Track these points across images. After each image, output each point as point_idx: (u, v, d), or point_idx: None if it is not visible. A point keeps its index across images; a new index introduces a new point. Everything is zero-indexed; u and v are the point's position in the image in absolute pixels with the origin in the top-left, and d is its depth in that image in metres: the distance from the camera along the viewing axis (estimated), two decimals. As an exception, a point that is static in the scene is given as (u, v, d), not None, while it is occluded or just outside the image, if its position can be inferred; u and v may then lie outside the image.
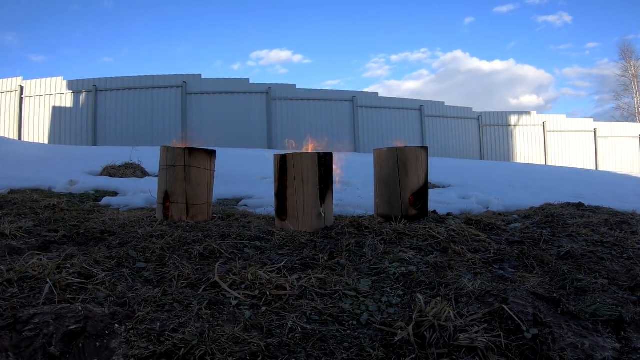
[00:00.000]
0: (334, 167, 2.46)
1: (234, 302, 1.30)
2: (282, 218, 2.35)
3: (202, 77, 13.02)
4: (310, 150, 2.54)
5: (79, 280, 1.34)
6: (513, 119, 15.87)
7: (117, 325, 1.09)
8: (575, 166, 14.48)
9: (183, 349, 0.99)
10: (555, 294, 1.47)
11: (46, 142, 12.04)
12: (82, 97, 12.58)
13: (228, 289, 1.38)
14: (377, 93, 14.48)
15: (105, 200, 3.32)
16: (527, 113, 16.07)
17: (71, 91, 12.57)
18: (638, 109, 25.43)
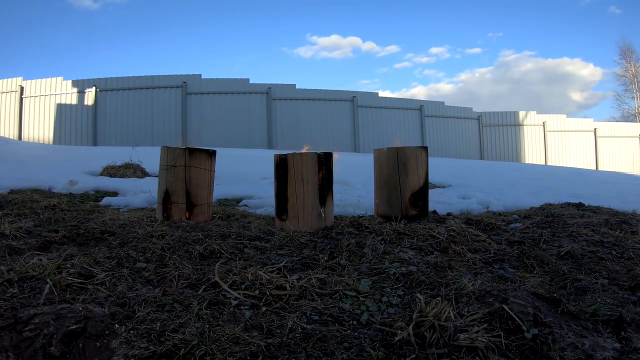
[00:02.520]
0: (333, 167, 2.47)
1: (234, 302, 1.30)
2: (282, 218, 2.35)
3: (202, 77, 13.03)
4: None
5: (79, 280, 1.34)
6: (513, 119, 15.87)
7: (117, 326, 1.09)
8: (575, 166, 14.48)
9: (183, 349, 0.99)
10: (555, 294, 1.47)
11: (46, 142, 12.04)
12: (82, 97, 12.57)
13: (228, 289, 1.38)
14: (377, 93, 14.49)
15: (106, 200, 3.32)
16: (527, 113, 16.07)
17: (71, 91, 12.57)
18: (638, 109, 25.42)
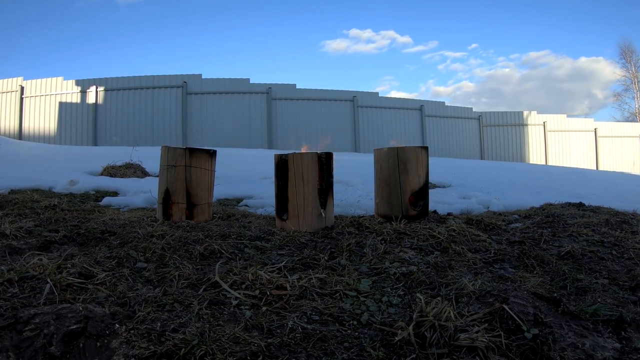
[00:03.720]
0: (333, 167, 2.47)
1: (234, 302, 1.30)
2: (282, 218, 2.35)
3: (203, 77, 13.03)
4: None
5: (79, 280, 1.34)
6: (513, 119, 15.86)
7: (117, 325, 1.09)
8: (575, 166, 14.48)
9: (183, 349, 0.99)
10: (555, 294, 1.47)
11: (47, 142, 12.04)
12: (83, 97, 12.58)
13: (228, 289, 1.38)
14: (377, 93, 14.49)
15: (106, 200, 3.32)
16: (528, 112, 16.06)
17: (72, 91, 12.58)
18: (638, 109, 25.41)
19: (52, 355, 0.96)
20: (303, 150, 2.51)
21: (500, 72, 51.26)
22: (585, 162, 15.87)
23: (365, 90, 14.42)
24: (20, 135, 12.31)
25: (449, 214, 2.87)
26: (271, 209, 2.96)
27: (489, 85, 51.64)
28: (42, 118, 12.48)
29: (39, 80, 12.62)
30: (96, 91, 12.52)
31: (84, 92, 12.55)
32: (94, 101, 12.47)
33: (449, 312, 1.16)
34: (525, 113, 16.05)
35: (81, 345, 1.00)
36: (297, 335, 1.13)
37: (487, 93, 51.91)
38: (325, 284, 1.49)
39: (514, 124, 15.81)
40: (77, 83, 12.63)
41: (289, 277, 1.51)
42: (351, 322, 1.23)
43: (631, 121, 22.70)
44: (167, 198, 2.45)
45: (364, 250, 1.90)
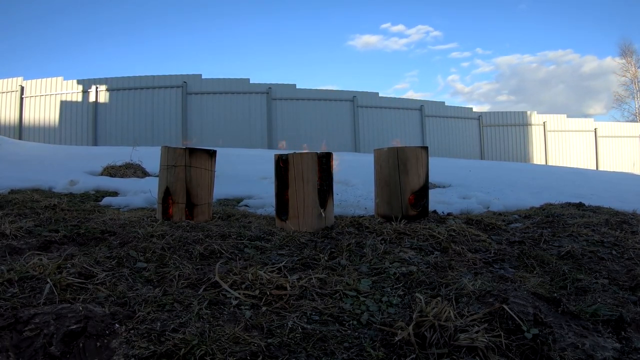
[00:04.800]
0: (333, 167, 2.46)
1: (234, 302, 1.30)
2: (282, 218, 2.35)
3: (203, 77, 13.03)
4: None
5: (79, 280, 1.34)
6: (513, 119, 15.86)
7: (117, 325, 1.09)
8: (575, 166, 14.47)
9: (183, 349, 0.99)
10: (555, 294, 1.47)
11: (47, 142, 12.04)
12: (83, 97, 12.58)
13: (228, 289, 1.38)
14: (377, 93, 14.48)
15: (106, 200, 3.32)
16: (528, 113, 16.07)
17: (72, 91, 12.58)
18: (638, 109, 25.40)
19: (52, 355, 0.96)
20: (305, 149, 2.51)
21: (522, 68, 50.86)
22: (585, 162, 15.86)
23: (366, 90, 14.42)
24: (20, 135, 12.31)
25: (449, 214, 2.87)
26: (271, 209, 2.96)
27: (511, 82, 51.37)
28: (42, 118, 12.48)
29: (39, 80, 12.62)
30: (96, 91, 12.52)
31: (83, 92, 12.55)
32: (94, 101, 12.47)
33: (449, 312, 1.16)
34: (525, 113, 16.05)
35: (81, 345, 1.00)
36: (297, 335, 1.13)
37: (508, 90, 51.52)
38: (325, 284, 1.49)
39: (514, 124, 15.81)
40: (77, 83, 12.63)
41: (289, 277, 1.51)
42: (351, 322, 1.23)
43: (631, 121, 22.71)
44: (167, 198, 2.45)
45: (364, 250, 1.90)
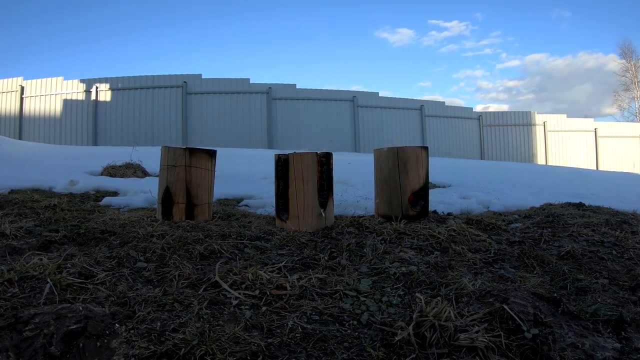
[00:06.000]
0: (333, 167, 2.47)
1: (234, 302, 1.30)
2: (282, 218, 2.35)
3: (203, 77, 13.04)
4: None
5: (79, 280, 1.34)
6: (513, 119, 15.86)
7: (117, 325, 1.09)
8: (575, 166, 14.47)
9: (183, 349, 0.99)
10: (555, 294, 1.47)
11: (47, 142, 12.05)
12: (83, 97, 12.58)
13: (228, 289, 1.38)
14: (377, 93, 14.50)
15: (106, 200, 3.32)
16: (528, 113, 16.07)
17: (72, 91, 12.59)
18: (638, 109, 25.40)
19: (52, 355, 0.96)
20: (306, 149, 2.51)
21: (548, 66, 50.56)
22: (585, 162, 15.87)
23: (365, 90, 14.44)
24: (20, 135, 12.31)
25: (449, 214, 2.87)
26: (271, 209, 2.96)
27: (535, 80, 51.15)
28: (42, 118, 12.49)
29: (39, 80, 12.63)
30: (96, 91, 12.53)
31: (83, 92, 12.56)
32: (94, 101, 12.47)
33: (449, 312, 1.16)
34: (526, 113, 16.06)
35: (81, 345, 1.00)
36: (297, 335, 1.13)
37: (533, 88, 51.20)
38: (325, 284, 1.49)
39: (514, 124, 15.81)
40: (77, 83, 12.64)
41: (289, 277, 1.51)
42: (351, 322, 1.23)
43: (631, 121, 22.70)
44: (167, 198, 2.45)
45: (364, 250, 1.90)
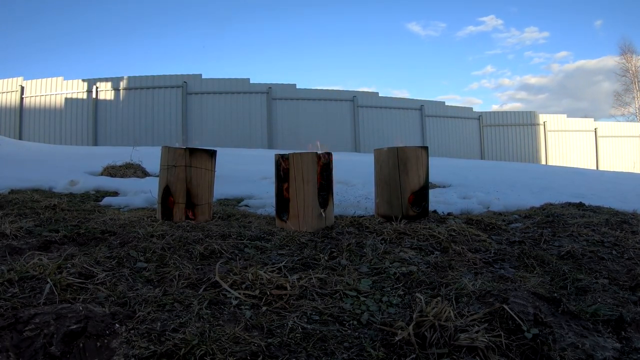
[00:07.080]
0: (333, 167, 2.47)
1: (234, 302, 1.30)
2: (282, 218, 2.35)
3: (203, 77, 13.04)
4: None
5: (79, 280, 1.35)
6: (513, 119, 15.86)
7: (117, 325, 1.09)
8: (575, 166, 14.48)
9: (183, 349, 0.99)
10: (555, 294, 1.47)
11: (47, 142, 12.05)
12: (83, 96, 12.59)
13: (229, 289, 1.38)
14: (377, 93, 14.51)
15: (106, 200, 3.32)
16: (528, 113, 16.07)
17: (72, 91, 12.59)
18: (638, 109, 25.38)
19: (52, 355, 0.96)
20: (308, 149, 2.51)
21: (570, 66, 50.45)
22: (585, 162, 15.87)
23: (365, 90, 14.44)
24: (20, 135, 12.32)
25: (449, 214, 2.88)
26: (271, 209, 2.96)
27: (557, 78, 51.06)
28: (42, 118, 12.49)
29: (39, 80, 12.64)
30: (96, 91, 12.53)
31: (84, 92, 12.56)
32: (94, 101, 12.48)
33: (449, 312, 1.16)
34: (526, 113, 16.06)
35: (81, 345, 1.00)
36: (297, 335, 1.13)
37: (553, 87, 51.13)
38: (325, 284, 1.49)
39: (514, 124, 15.81)
40: (78, 83, 12.65)
41: (289, 277, 1.51)
42: (351, 322, 1.23)
43: (631, 121, 22.70)
44: (167, 198, 2.45)
45: (364, 250, 1.90)
